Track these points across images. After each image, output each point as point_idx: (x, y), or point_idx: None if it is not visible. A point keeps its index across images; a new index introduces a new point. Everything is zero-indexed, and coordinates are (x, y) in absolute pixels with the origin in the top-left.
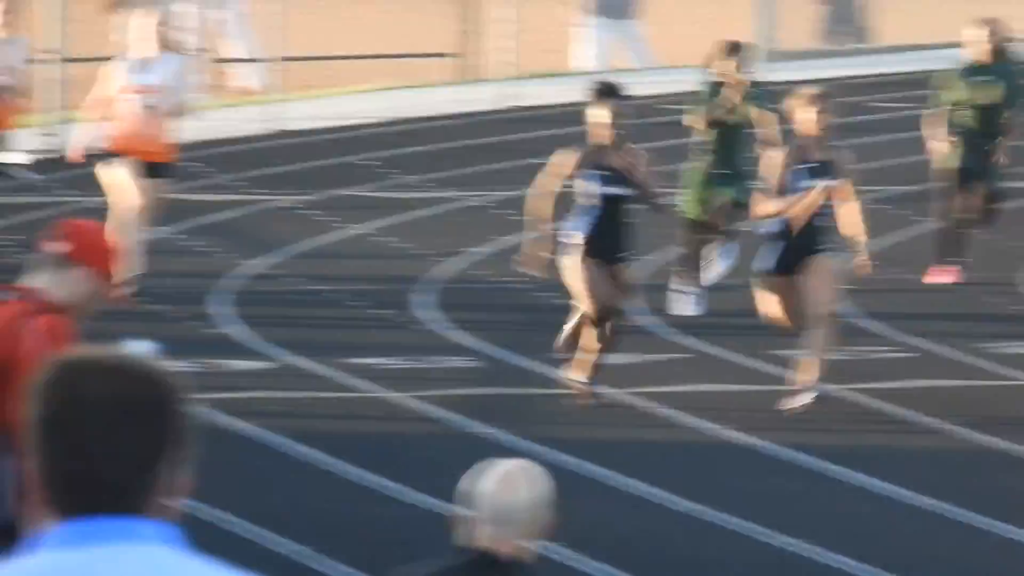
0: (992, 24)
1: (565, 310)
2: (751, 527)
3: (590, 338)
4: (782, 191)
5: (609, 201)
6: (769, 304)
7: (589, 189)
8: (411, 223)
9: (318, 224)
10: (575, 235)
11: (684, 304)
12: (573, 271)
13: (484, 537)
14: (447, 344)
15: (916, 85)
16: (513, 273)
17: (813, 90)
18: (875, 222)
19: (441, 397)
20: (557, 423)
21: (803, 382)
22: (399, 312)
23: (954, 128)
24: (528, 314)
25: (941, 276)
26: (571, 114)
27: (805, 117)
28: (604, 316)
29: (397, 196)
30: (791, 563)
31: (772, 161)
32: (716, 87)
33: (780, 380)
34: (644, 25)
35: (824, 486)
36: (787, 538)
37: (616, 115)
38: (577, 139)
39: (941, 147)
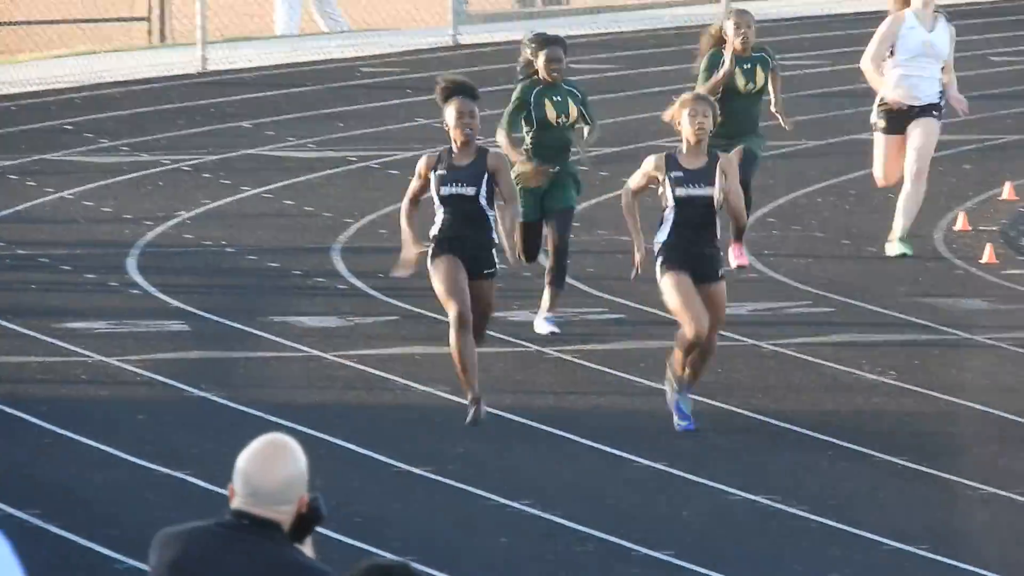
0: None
1: (270, 272)
2: (465, 488)
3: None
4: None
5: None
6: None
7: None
8: (116, 187)
9: (23, 189)
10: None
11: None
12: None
13: (242, 504)
14: (157, 308)
15: (610, 47)
16: (218, 237)
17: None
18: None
19: (153, 361)
20: (267, 386)
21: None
22: (109, 276)
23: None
24: (236, 277)
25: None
26: (269, 78)
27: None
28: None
29: (101, 161)
30: (504, 517)
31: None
32: (536, 85)
33: (492, 342)
34: None
35: (536, 445)
36: (496, 496)
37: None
38: (275, 103)
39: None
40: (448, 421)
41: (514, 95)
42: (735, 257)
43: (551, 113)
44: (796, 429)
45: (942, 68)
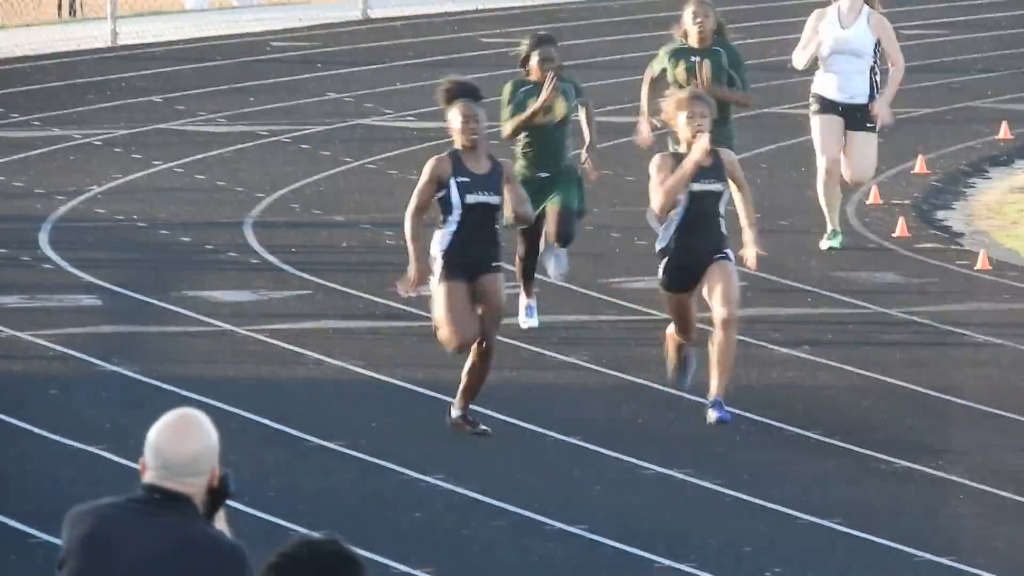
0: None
1: (182, 247)
2: (378, 462)
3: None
4: None
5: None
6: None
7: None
8: (27, 162)
9: None
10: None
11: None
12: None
13: (153, 477)
14: (69, 282)
15: (517, 21)
16: (130, 211)
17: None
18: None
19: (65, 335)
20: (180, 361)
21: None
22: (20, 251)
23: None
24: (148, 252)
25: None
26: (179, 52)
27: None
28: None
29: (12, 135)
30: (416, 492)
31: None
32: (523, 84)
33: (404, 316)
34: None
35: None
36: (408, 471)
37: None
38: (186, 77)
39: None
40: (361, 395)
41: (504, 92)
42: None
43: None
44: (706, 402)
45: (873, 65)
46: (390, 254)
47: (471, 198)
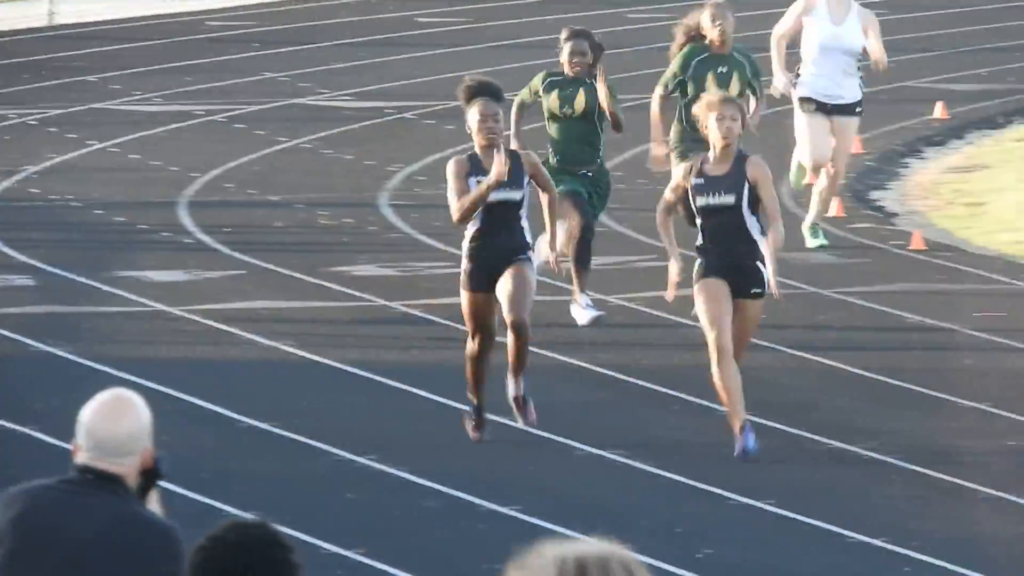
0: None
1: (116, 227)
2: (310, 443)
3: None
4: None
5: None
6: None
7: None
8: None
9: None
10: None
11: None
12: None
13: (86, 458)
14: (2, 263)
15: (454, 1)
16: (64, 191)
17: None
18: (427, 139)
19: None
20: (116, 341)
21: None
22: None
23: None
24: (82, 232)
25: None
26: (116, 31)
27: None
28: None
29: None
30: (349, 472)
31: None
32: (551, 75)
33: (337, 296)
34: None
35: (381, 399)
36: (341, 451)
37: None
38: (121, 56)
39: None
40: (293, 376)
41: (534, 78)
42: None
43: (554, 103)
44: (645, 384)
45: (858, 63)
46: (324, 234)
47: (493, 196)
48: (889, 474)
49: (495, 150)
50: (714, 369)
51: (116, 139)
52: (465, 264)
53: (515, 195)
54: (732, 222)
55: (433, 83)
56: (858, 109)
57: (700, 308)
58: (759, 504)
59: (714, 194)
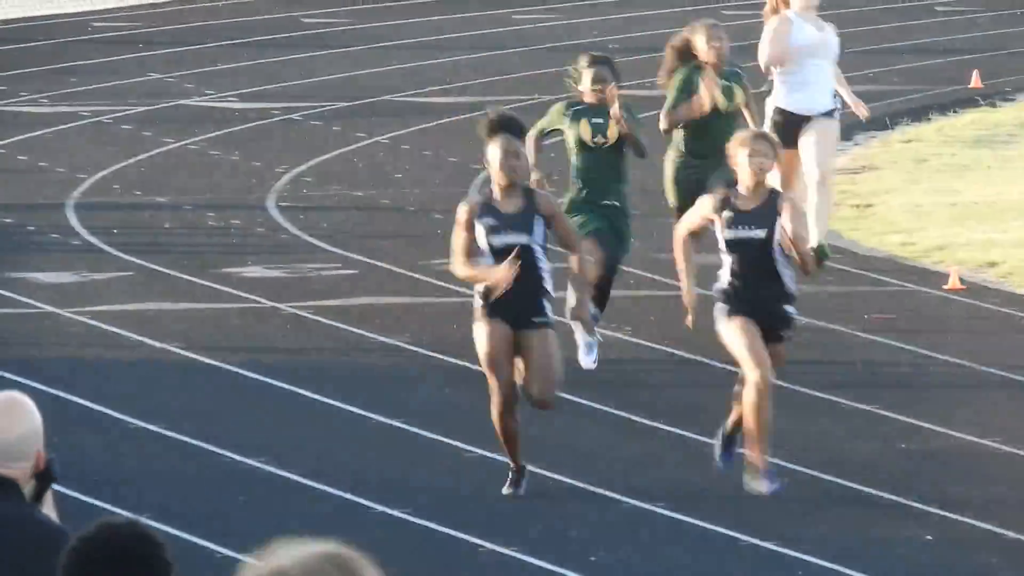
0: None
1: (3, 228)
2: (200, 445)
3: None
4: None
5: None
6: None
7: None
8: None
9: None
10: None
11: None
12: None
13: None
14: None
15: (339, 2)
16: None
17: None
18: (313, 140)
19: None
20: (4, 343)
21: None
22: None
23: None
24: None
25: None
26: (1, 32)
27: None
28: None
29: None
30: (239, 475)
31: None
32: (576, 103)
33: (226, 298)
34: None
35: (269, 401)
36: (231, 454)
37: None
38: (7, 57)
39: None
40: (182, 377)
41: (553, 108)
42: None
43: (586, 132)
44: None
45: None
46: (212, 235)
47: (497, 240)
48: (781, 477)
49: (508, 261)
50: (750, 401)
51: (3, 140)
52: (477, 303)
53: (522, 239)
54: (760, 257)
55: (319, 84)
56: (832, 113)
57: (735, 342)
58: (651, 507)
59: (744, 227)
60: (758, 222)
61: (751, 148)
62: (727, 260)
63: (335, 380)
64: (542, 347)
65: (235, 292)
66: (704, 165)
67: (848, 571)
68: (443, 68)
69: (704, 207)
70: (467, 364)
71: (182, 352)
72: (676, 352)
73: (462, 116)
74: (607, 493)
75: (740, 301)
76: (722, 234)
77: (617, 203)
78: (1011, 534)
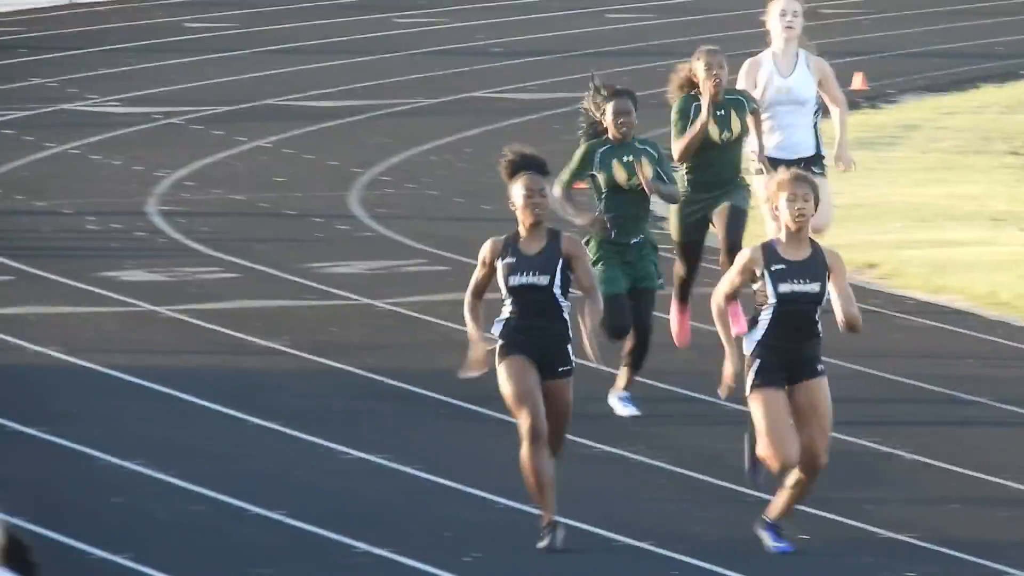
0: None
1: None
2: (76, 447)
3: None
4: None
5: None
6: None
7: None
8: None
9: None
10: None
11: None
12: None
13: None
14: None
15: (228, 6)
16: None
17: None
18: (194, 143)
19: None
20: None
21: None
22: None
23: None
24: None
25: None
26: None
27: None
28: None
29: None
30: (116, 477)
31: None
32: (603, 144)
33: (106, 301)
34: None
35: (149, 404)
36: (108, 456)
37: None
38: None
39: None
40: (61, 380)
41: (577, 153)
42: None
43: (620, 175)
44: (411, 388)
45: (817, 111)
46: (92, 239)
47: (514, 280)
48: (657, 477)
49: (485, 353)
50: (789, 482)
51: None
52: (499, 342)
53: (541, 280)
54: (810, 312)
55: (201, 88)
56: (816, 170)
57: (761, 424)
58: (526, 508)
59: (800, 281)
60: (812, 275)
61: (790, 191)
62: (770, 314)
63: (214, 383)
64: (564, 397)
65: (115, 296)
66: (711, 199)
67: (723, 570)
68: (326, 72)
69: (745, 259)
70: (346, 367)
71: (61, 356)
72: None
73: (344, 120)
74: (483, 493)
75: (777, 356)
76: (774, 288)
77: (643, 237)
78: (886, 533)
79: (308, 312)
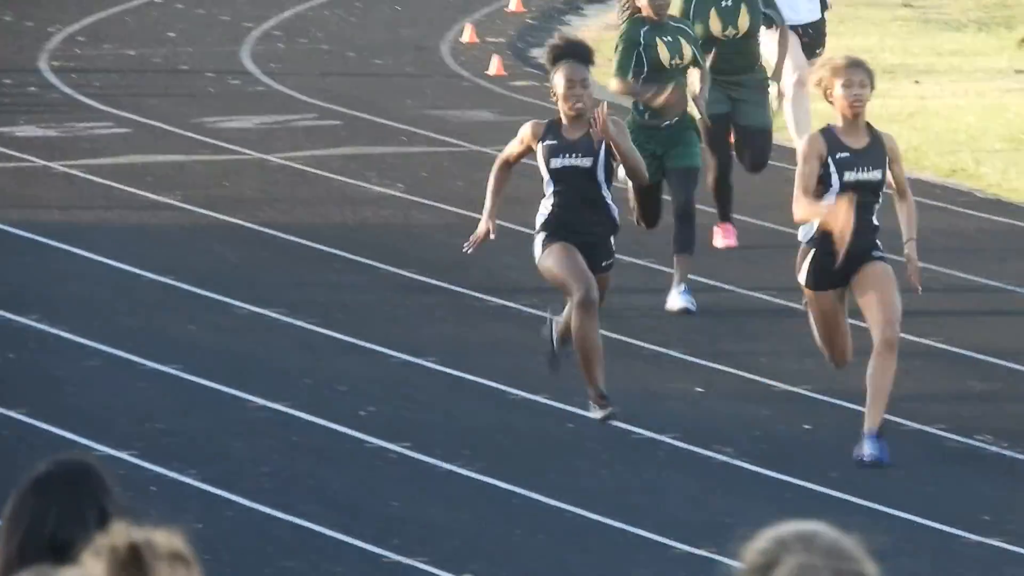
0: None
1: None
2: None
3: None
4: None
5: None
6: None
7: None
8: None
9: None
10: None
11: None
12: None
13: None
14: None
15: None
16: None
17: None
18: (86, 0)
19: None
20: None
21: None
22: None
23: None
24: None
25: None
26: None
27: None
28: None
29: None
30: (10, 333)
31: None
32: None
33: (8, 158)
34: None
35: (43, 260)
36: (3, 312)
37: None
38: None
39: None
40: None
41: (620, 35)
42: (723, 237)
43: (664, 54)
44: (303, 242)
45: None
46: None
47: (556, 162)
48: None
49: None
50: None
51: None
52: (539, 233)
53: (584, 163)
54: (871, 201)
55: None
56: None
57: (814, 327)
58: (421, 361)
59: (863, 169)
60: (874, 162)
61: (846, 78)
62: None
63: (107, 238)
64: (603, 287)
65: (7, 151)
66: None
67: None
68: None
69: (812, 148)
70: (238, 221)
71: None
72: (447, 207)
73: None
74: (377, 347)
75: (832, 250)
76: (839, 177)
77: (677, 119)
78: (782, 386)
79: (201, 167)
